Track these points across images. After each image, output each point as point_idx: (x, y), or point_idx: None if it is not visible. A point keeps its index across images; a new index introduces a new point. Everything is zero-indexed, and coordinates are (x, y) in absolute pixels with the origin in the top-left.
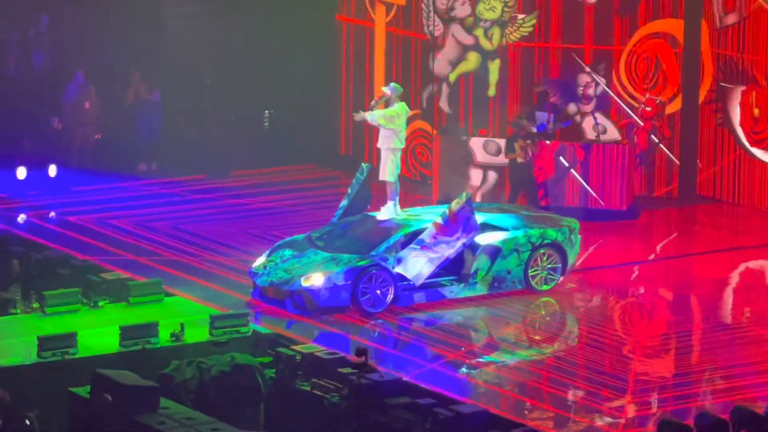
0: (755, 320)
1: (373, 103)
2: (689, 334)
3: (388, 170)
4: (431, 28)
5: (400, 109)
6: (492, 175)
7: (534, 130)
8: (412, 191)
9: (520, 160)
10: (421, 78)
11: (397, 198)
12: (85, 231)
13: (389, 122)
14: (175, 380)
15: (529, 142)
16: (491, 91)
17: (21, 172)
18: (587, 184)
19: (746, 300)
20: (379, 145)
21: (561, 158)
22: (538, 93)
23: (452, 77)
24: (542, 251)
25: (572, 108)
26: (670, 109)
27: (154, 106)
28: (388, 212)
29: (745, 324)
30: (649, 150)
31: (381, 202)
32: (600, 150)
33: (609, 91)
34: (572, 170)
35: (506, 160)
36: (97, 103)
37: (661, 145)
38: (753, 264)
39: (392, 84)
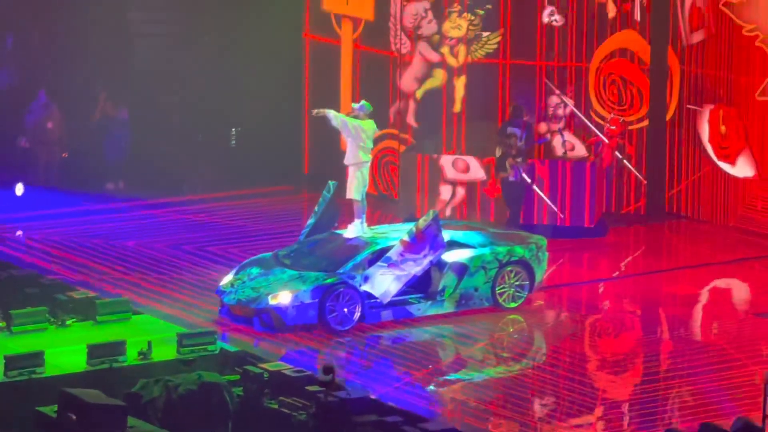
0: (723, 337)
1: (342, 113)
2: (657, 351)
3: (355, 188)
4: (398, 45)
5: (365, 124)
6: (460, 192)
7: (520, 143)
8: (378, 209)
9: (511, 178)
10: (389, 94)
11: (364, 216)
12: (53, 249)
13: (345, 129)
14: (143, 399)
15: (519, 159)
16: (457, 107)
17: None
18: (554, 201)
19: (714, 316)
20: (346, 161)
21: (524, 175)
22: (512, 110)
23: (419, 93)
24: (509, 268)
25: (543, 127)
26: (638, 126)
27: (122, 124)
28: (355, 230)
29: (713, 340)
30: (613, 166)
31: (348, 219)
32: (568, 167)
33: (577, 112)
34: (535, 187)
35: (476, 177)
36: (61, 122)
37: (625, 161)
38: (721, 280)
39: (362, 102)
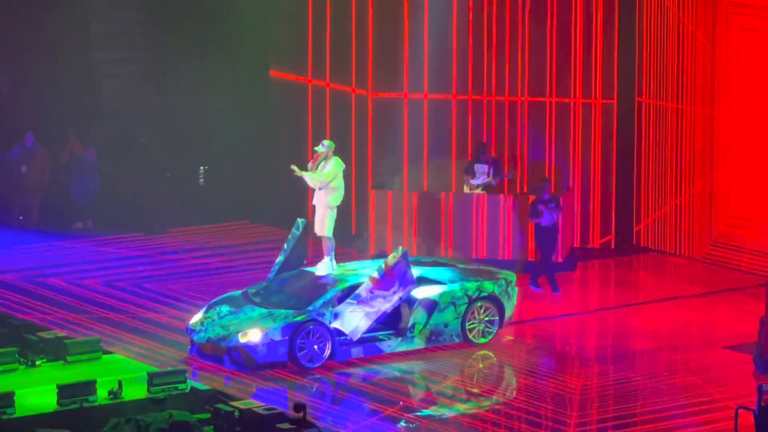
0: (693, 370)
1: (310, 165)
2: (627, 384)
3: (327, 226)
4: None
5: (336, 168)
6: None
7: (489, 179)
8: (347, 245)
9: (543, 223)
10: (356, 131)
11: (333, 253)
12: (21, 290)
13: (325, 183)
14: None
15: (553, 205)
16: None
17: None
18: (523, 235)
19: (684, 350)
20: (315, 202)
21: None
22: (477, 146)
23: None
24: (479, 304)
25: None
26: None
27: (90, 164)
28: (325, 268)
29: (685, 374)
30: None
31: (318, 256)
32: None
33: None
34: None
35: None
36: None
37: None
38: (690, 314)
39: (325, 142)
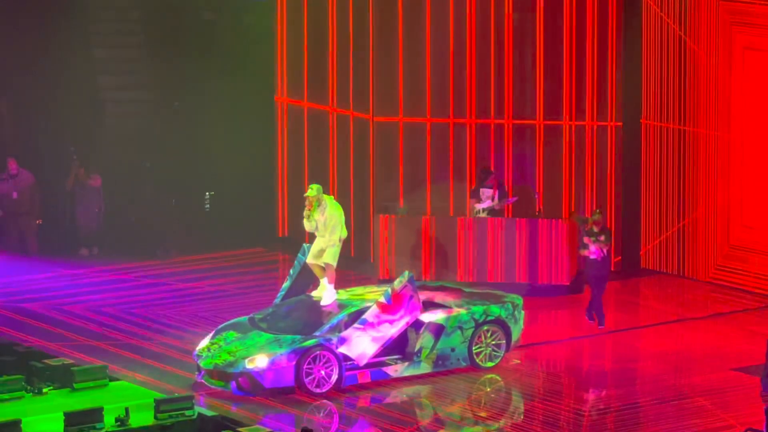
0: (700, 393)
1: (306, 212)
2: (635, 407)
3: (332, 254)
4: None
5: (332, 208)
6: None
7: (494, 203)
8: (353, 270)
9: (592, 256)
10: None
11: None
12: (28, 317)
13: (335, 230)
14: None
15: (602, 238)
16: None
17: None
18: (531, 258)
19: (691, 372)
20: (319, 235)
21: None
22: (481, 172)
23: None
24: (486, 328)
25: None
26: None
27: (95, 191)
28: (330, 296)
29: (692, 397)
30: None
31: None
32: (543, 225)
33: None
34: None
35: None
36: (34, 190)
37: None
38: (696, 336)
39: (312, 186)
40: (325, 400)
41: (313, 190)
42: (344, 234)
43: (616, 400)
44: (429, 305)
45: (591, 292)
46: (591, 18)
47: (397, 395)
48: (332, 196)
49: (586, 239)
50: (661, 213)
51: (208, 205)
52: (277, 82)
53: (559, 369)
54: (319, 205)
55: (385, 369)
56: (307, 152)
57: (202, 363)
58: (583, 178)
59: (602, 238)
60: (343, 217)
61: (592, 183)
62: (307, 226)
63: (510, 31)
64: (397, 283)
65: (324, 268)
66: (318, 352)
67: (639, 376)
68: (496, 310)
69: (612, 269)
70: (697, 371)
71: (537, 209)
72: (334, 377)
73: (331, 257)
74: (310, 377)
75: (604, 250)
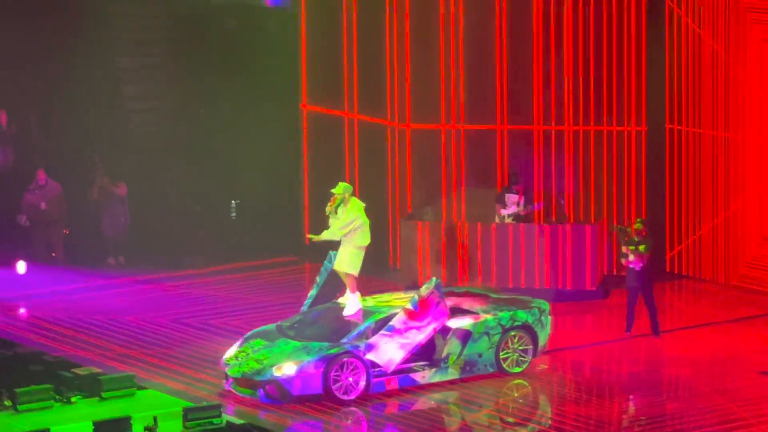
0: (729, 397)
1: (328, 209)
2: (663, 413)
3: (353, 264)
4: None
5: (356, 210)
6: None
7: (519, 208)
8: (379, 277)
9: (630, 265)
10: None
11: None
12: (55, 326)
13: (347, 228)
14: None
15: (642, 247)
16: None
17: None
18: (555, 264)
19: (718, 376)
20: (344, 244)
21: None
22: (509, 175)
23: None
24: (513, 333)
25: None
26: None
27: (120, 199)
28: (354, 305)
29: (720, 401)
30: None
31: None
32: (568, 230)
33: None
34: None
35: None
36: (62, 201)
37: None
38: (724, 340)
39: (341, 184)
40: (352, 407)
41: (339, 188)
42: (366, 241)
43: (643, 405)
44: (456, 311)
45: (629, 302)
46: (615, 23)
47: (425, 401)
48: (360, 201)
49: (625, 249)
50: (686, 217)
51: (234, 214)
52: (301, 89)
53: (586, 374)
54: (342, 204)
55: (412, 375)
56: (331, 159)
57: (229, 371)
58: (609, 182)
59: (641, 247)
60: (366, 223)
61: (618, 187)
62: (332, 236)
63: (536, 37)
64: (424, 290)
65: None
66: (346, 359)
67: (666, 380)
68: (522, 315)
69: (652, 278)
70: (725, 375)
71: (563, 214)
72: (362, 384)
73: (351, 267)
74: (337, 384)
75: (645, 260)
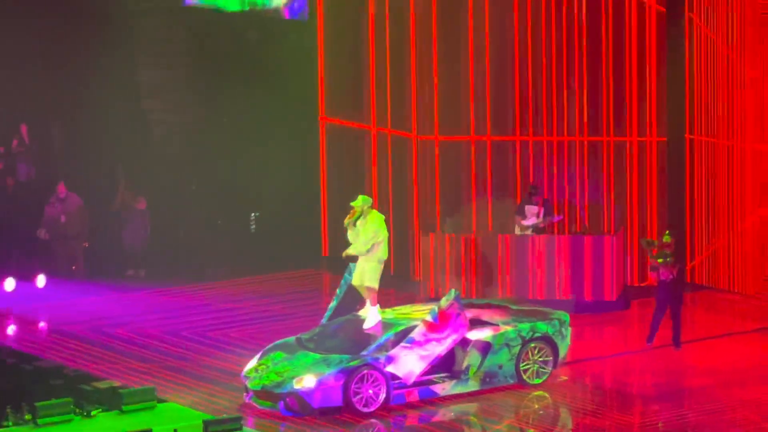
0: (751, 408)
1: (346, 222)
2: (684, 422)
3: (372, 277)
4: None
5: (375, 223)
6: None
7: (538, 220)
8: (399, 289)
9: (662, 278)
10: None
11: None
12: (75, 340)
13: (371, 242)
14: None
15: (669, 260)
16: None
17: (9, 284)
18: (576, 275)
19: (740, 386)
20: (363, 258)
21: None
22: (529, 187)
23: None
24: (533, 345)
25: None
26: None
27: (141, 213)
28: (374, 317)
29: (742, 412)
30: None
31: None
32: (589, 241)
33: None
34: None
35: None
36: (82, 214)
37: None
38: (745, 350)
39: (360, 197)
40: (373, 420)
41: (358, 201)
42: (385, 255)
43: (664, 416)
44: (476, 323)
45: (654, 315)
46: (633, 33)
47: (445, 413)
48: (380, 214)
49: (654, 261)
50: (707, 228)
51: (253, 226)
52: (320, 101)
53: (606, 385)
54: (361, 217)
55: (432, 387)
56: (350, 171)
57: (249, 384)
58: (628, 194)
59: (669, 259)
60: (385, 236)
61: (640, 198)
62: (348, 234)
63: (552, 48)
64: (444, 302)
65: (365, 287)
66: (366, 371)
67: (687, 391)
68: (543, 327)
69: (682, 290)
70: (746, 385)
71: (582, 226)
72: (382, 396)
73: (371, 280)
74: (358, 396)
75: (674, 272)
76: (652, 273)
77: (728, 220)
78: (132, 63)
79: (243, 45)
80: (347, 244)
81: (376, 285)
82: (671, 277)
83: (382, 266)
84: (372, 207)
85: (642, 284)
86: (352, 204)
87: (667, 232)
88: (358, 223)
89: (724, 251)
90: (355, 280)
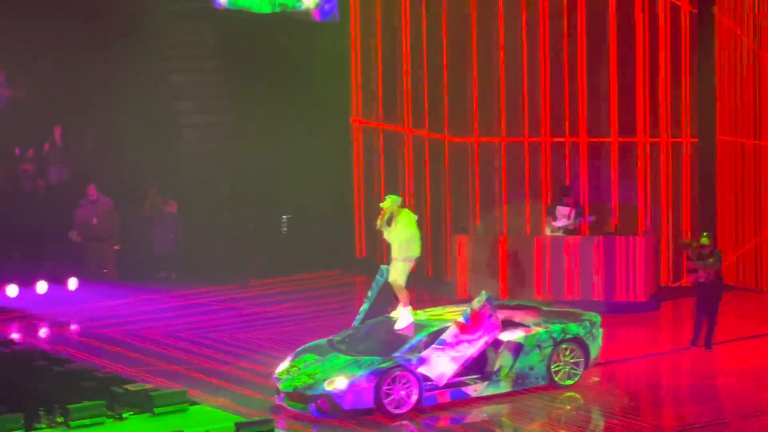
0: None
1: (379, 223)
2: (715, 424)
3: (402, 275)
4: None
5: (407, 222)
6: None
7: (569, 221)
8: (431, 291)
9: (701, 279)
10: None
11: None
12: (107, 342)
13: (412, 242)
14: None
15: (710, 261)
16: None
17: (41, 287)
18: (608, 276)
19: None
20: (395, 255)
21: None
22: (560, 189)
23: None
24: (564, 346)
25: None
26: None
27: (171, 216)
28: (406, 319)
29: None
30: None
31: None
32: (621, 242)
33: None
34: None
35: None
36: (113, 217)
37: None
38: None
39: (389, 198)
40: (404, 421)
41: (387, 202)
42: (416, 253)
43: (696, 417)
44: (507, 324)
45: (696, 316)
46: (664, 34)
47: (477, 415)
48: (411, 212)
49: (693, 264)
50: (737, 228)
51: (285, 228)
52: (352, 103)
53: (638, 386)
54: (392, 217)
55: (464, 389)
56: (383, 173)
57: (281, 386)
58: (659, 194)
59: (709, 261)
60: (416, 235)
61: (668, 199)
62: (385, 235)
63: (583, 49)
64: (476, 303)
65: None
66: (397, 373)
67: (719, 392)
68: (574, 328)
69: (720, 292)
70: None
71: (613, 226)
72: (414, 398)
73: (399, 277)
74: (389, 398)
75: (712, 274)
76: (690, 275)
77: (759, 219)
78: (162, 65)
79: (274, 47)
80: (381, 254)
81: (403, 283)
82: (709, 279)
83: (412, 264)
84: (402, 206)
85: (674, 284)
86: (381, 205)
87: (705, 233)
88: (392, 223)
89: (754, 251)
90: (391, 277)
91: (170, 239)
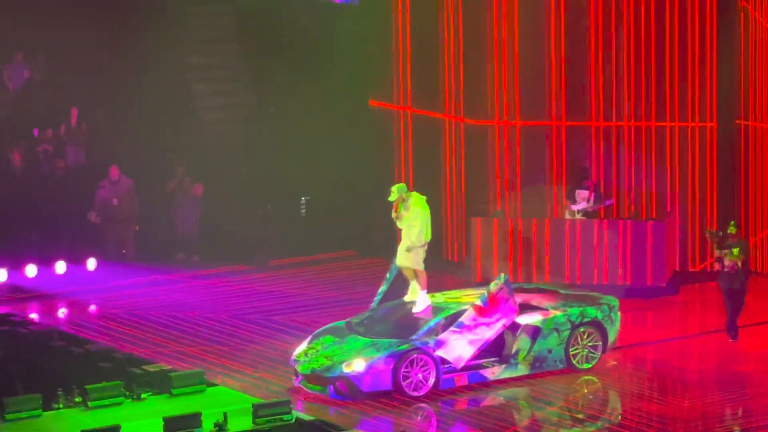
0: None
1: (394, 215)
2: (733, 407)
3: (416, 260)
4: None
5: (418, 207)
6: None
7: (589, 204)
8: (448, 274)
9: (725, 269)
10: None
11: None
12: (125, 324)
13: (425, 228)
14: None
15: (735, 251)
16: None
17: (60, 267)
18: (624, 260)
19: None
20: (409, 242)
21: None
22: (580, 171)
23: None
24: (582, 330)
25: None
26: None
27: (195, 199)
28: (423, 302)
29: None
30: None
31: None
32: (639, 226)
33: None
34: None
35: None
36: (133, 198)
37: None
38: None
39: (393, 189)
40: (422, 404)
41: (393, 194)
42: (428, 237)
43: (714, 399)
44: (525, 307)
45: (726, 304)
46: (683, 20)
47: (494, 398)
48: (419, 194)
49: (719, 252)
50: (757, 213)
51: (303, 210)
52: (372, 86)
53: (656, 370)
54: (405, 206)
55: (482, 371)
56: (402, 156)
57: (299, 368)
58: (678, 178)
59: (734, 250)
60: (428, 219)
61: (693, 183)
62: (399, 225)
63: (602, 32)
64: (493, 286)
65: (411, 270)
66: (415, 355)
67: (737, 376)
68: (592, 311)
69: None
70: None
71: (632, 211)
72: (432, 380)
73: (416, 263)
74: (407, 381)
75: (738, 263)
76: (716, 264)
77: None
78: (182, 47)
79: (294, 29)
80: (399, 236)
81: (419, 266)
82: (736, 268)
83: (424, 249)
84: (409, 191)
85: (688, 269)
86: (389, 200)
87: (732, 222)
88: (403, 211)
89: None
90: (398, 259)
91: (193, 222)
